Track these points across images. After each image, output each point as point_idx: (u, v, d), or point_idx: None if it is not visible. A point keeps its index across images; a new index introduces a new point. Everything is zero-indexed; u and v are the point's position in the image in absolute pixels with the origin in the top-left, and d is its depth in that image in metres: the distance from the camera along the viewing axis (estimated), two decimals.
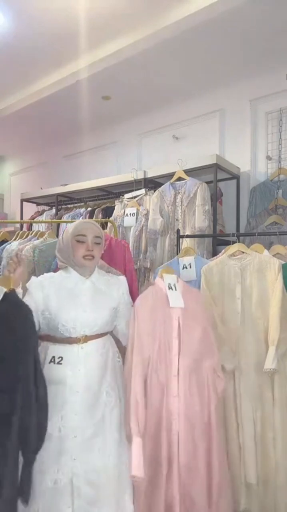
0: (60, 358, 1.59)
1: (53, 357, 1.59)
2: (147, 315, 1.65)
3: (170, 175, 3.03)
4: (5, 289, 1.48)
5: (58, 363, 1.58)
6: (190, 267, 2.30)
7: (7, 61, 3.29)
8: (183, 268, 2.31)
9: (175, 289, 1.73)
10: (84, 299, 1.65)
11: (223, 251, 2.18)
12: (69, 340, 1.61)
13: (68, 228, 1.73)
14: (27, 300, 1.58)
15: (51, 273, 1.76)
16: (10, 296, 1.47)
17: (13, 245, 2.58)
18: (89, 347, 1.62)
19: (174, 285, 1.74)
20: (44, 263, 2.28)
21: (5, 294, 1.47)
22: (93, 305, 1.65)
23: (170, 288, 1.71)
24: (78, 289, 1.67)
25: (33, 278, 1.71)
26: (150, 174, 3.35)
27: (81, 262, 1.66)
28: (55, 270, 1.97)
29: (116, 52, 3.05)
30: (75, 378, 1.57)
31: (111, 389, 1.62)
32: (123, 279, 1.82)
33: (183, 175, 2.95)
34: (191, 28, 2.67)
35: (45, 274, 1.76)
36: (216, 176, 2.93)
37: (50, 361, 1.59)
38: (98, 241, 1.69)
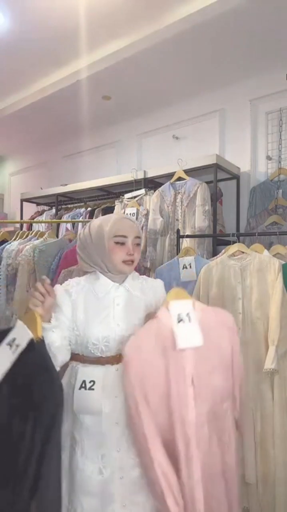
0: (92, 383, 1.31)
1: (84, 381, 1.32)
2: (148, 365, 1.24)
3: (170, 175, 3.03)
4: (30, 334, 1.14)
5: (90, 388, 1.30)
6: (190, 267, 2.30)
7: (7, 61, 3.28)
8: (183, 268, 2.32)
9: (190, 320, 1.28)
10: (118, 310, 1.37)
11: (223, 251, 2.18)
12: (101, 360, 1.34)
13: (100, 224, 1.39)
14: (57, 317, 1.32)
15: (77, 279, 1.45)
16: (38, 349, 1.12)
17: (13, 245, 2.59)
18: None
19: (187, 314, 1.29)
20: (44, 263, 2.29)
21: (31, 344, 1.12)
22: (128, 316, 1.37)
23: (180, 320, 1.27)
24: (110, 298, 1.39)
25: (57, 286, 1.41)
26: (150, 174, 3.35)
27: (120, 268, 1.38)
28: (60, 269, 1.91)
29: (116, 52, 3.05)
30: (112, 406, 1.30)
31: None
32: (159, 282, 1.54)
33: (183, 175, 2.95)
34: (191, 28, 2.67)
35: (69, 280, 1.45)
36: (216, 176, 2.93)
37: (81, 387, 1.31)
38: (139, 242, 1.42)
